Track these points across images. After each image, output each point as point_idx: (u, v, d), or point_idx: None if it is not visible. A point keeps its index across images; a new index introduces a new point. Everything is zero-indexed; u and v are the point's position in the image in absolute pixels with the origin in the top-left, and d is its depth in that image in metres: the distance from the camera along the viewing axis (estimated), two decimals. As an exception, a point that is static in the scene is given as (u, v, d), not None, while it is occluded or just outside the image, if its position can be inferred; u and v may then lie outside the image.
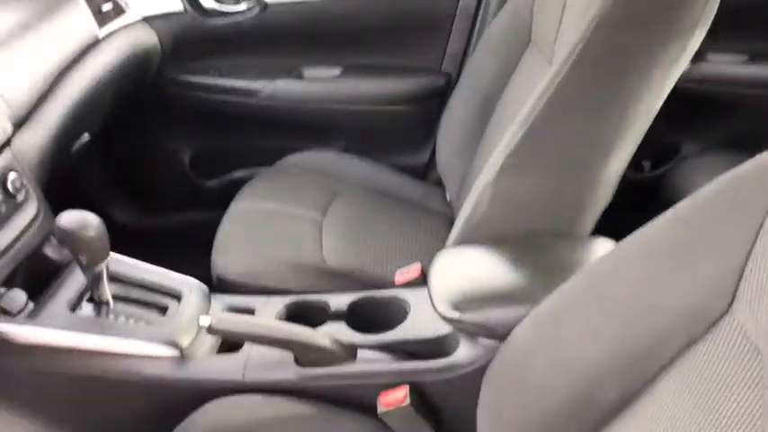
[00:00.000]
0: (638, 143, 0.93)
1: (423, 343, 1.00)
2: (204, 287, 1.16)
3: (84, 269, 1.02)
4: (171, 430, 0.96)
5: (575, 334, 0.67)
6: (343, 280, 1.24)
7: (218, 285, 1.26)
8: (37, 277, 1.11)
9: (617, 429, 0.56)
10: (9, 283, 1.06)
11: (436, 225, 1.44)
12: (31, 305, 1.05)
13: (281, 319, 1.11)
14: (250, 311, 1.13)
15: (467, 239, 1.04)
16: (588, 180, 0.94)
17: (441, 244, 1.06)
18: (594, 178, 0.93)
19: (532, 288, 0.92)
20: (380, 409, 0.94)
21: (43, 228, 1.12)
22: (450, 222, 1.10)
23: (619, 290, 0.60)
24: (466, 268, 0.98)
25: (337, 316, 1.09)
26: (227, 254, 1.31)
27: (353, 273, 1.27)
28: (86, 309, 1.07)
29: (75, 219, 0.97)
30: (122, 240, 1.13)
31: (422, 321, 1.03)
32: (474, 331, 0.92)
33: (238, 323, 0.98)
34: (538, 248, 0.99)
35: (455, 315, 0.91)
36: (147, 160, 1.92)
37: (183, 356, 1.02)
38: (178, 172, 1.91)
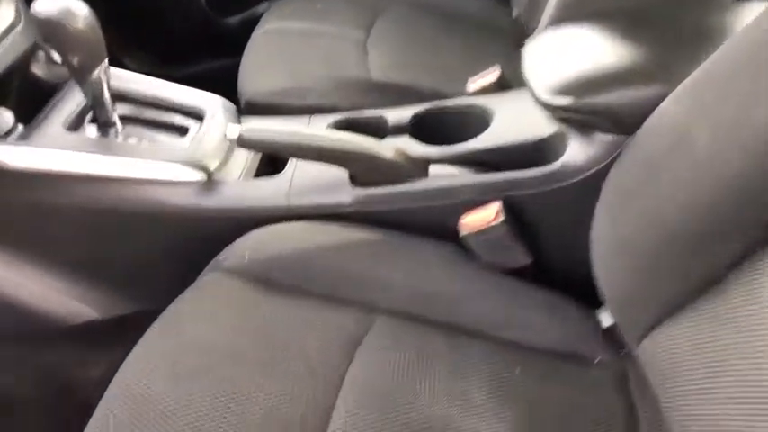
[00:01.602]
0: None
1: (516, 150, 0.78)
2: (231, 105, 0.94)
3: (79, 77, 0.80)
4: (199, 269, 0.78)
5: (742, 107, 0.49)
6: (395, 96, 1.01)
7: (248, 112, 1.04)
8: (27, 100, 0.91)
9: None
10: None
11: (501, 45, 1.18)
12: (20, 127, 0.85)
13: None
14: None
15: (565, 17, 0.79)
16: None
17: (509, 63, 0.82)
18: None
19: (665, 63, 0.68)
20: (464, 231, 0.73)
21: (26, 38, 0.90)
22: (518, 42, 0.84)
23: None
24: (573, 48, 0.74)
25: (399, 130, 0.87)
26: (257, 75, 1.08)
27: (408, 88, 1.03)
28: (89, 130, 0.87)
29: (55, 4, 0.74)
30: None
31: (512, 127, 0.80)
32: (592, 123, 0.69)
33: (277, 132, 0.77)
34: (664, 16, 0.74)
35: (567, 101, 0.68)
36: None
37: (210, 181, 0.82)
38: (193, 10, 1.65)
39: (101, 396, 1.04)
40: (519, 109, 0.81)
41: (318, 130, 0.86)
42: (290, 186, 0.81)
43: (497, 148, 0.78)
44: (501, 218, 0.71)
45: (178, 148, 0.84)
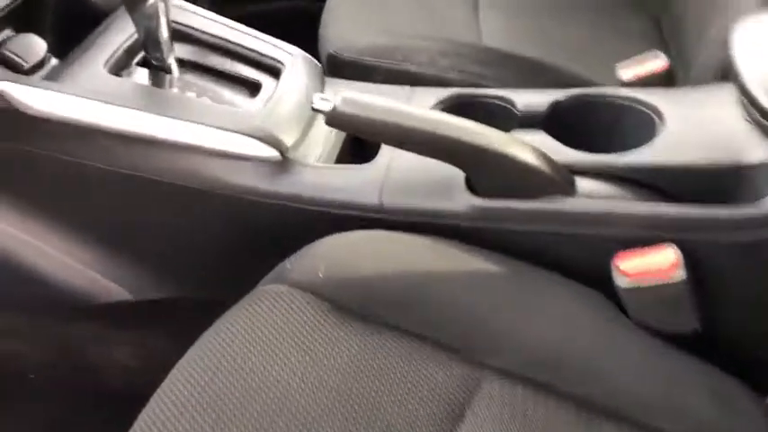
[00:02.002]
0: None
1: (699, 175, 0.57)
2: (315, 63, 0.75)
3: (130, 4, 0.62)
4: (253, 260, 0.61)
5: None
6: (517, 72, 0.80)
7: (329, 69, 0.85)
8: (65, 27, 0.73)
9: None
10: (20, 26, 0.68)
11: (640, 21, 0.96)
12: (54, 61, 0.67)
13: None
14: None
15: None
16: None
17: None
18: None
19: None
20: (622, 279, 0.54)
21: None
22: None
23: None
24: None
25: (530, 121, 0.67)
26: (343, 23, 0.88)
27: (535, 63, 0.82)
28: (138, 75, 0.68)
29: None
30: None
31: (692, 140, 0.59)
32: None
33: (379, 108, 0.57)
34: None
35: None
36: None
37: (284, 162, 0.64)
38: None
39: (124, 380, 0.90)
40: (702, 116, 0.61)
41: (427, 110, 0.66)
42: (385, 180, 0.62)
43: (672, 167, 0.58)
44: (681, 273, 0.51)
45: (246, 113, 0.65)
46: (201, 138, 0.63)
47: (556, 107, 0.66)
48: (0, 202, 0.71)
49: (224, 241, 0.70)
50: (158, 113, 0.62)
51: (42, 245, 0.74)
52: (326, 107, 0.57)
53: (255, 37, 0.74)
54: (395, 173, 0.63)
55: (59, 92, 0.62)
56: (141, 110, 0.62)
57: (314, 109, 0.57)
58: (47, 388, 0.92)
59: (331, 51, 0.85)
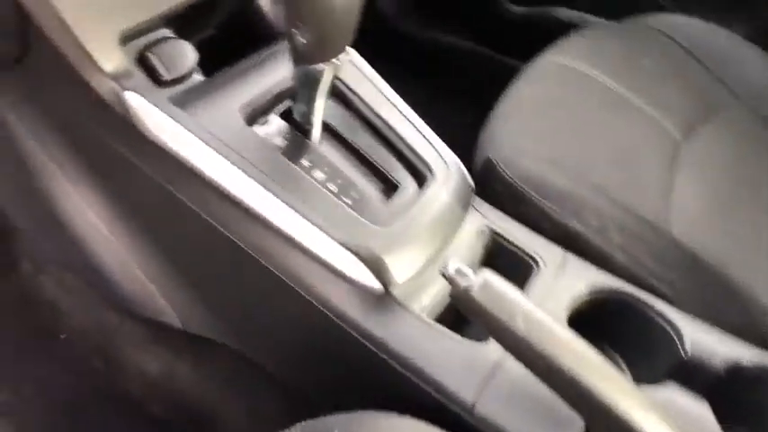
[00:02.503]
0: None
1: None
2: (468, 180, 0.64)
3: (299, 55, 0.53)
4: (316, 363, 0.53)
5: None
6: (700, 287, 0.65)
7: (481, 177, 0.72)
8: (228, 38, 0.66)
9: None
10: (179, 29, 0.61)
11: None
12: (197, 77, 0.59)
13: (576, 305, 0.57)
14: (523, 264, 0.60)
15: None
16: None
17: None
18: None
19: None
20: None
21: None
22: None
23: None
24: None
25: (694, 374, 0.52)
26: (513, 136, 0.76)
27: (729, 287, 0.65)
28: (273, 128, 0.59)
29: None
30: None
31: None
32: None
33: (518, 313, 0.45)
34: None
35: None
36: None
37: (386, 298, 0.53)
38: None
39: (139, 389, 0.85)
40: None
41: (570, 335, 0.51)
42: (491, 377, 0.50)
43: None
44: None
45: (367, 230, 0.54)
46: (309, 238, 0.53)
47: (736, 372, 0.51)
48: (95, 190, 0.65)
49: (294, 338, 0.61)
50: (275, 192, 0.53)
51: (117, 242, 0.68)
52: (460, 282, 0.45)
53: (416, 128, 0.63)
54: (506, 373, 0.50)
55: (180, 124, 0.54)
56: (258, 182, 0.53)
57: (444, 275, 0.46)
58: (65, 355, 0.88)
59: (488, 156, 0.73)
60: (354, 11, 0.48)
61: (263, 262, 0.55)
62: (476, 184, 0.66)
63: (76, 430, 0.87)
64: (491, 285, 0.45)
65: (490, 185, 0.72)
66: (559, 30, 1.21)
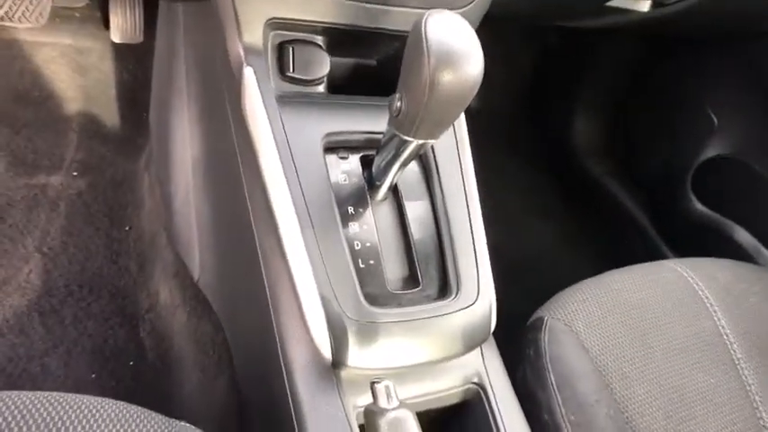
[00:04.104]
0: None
1: None
2: (490, 313, 0.59)
3: (392, 118, 0.53)
4: None
5: None
6: None
7: (524, 329, 0.67)
8: (382, 72, 0.68)
9: None
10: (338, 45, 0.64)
11: None
12: (320, 87, 0.62)
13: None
14: None
15: None
16: None
17: None
18: None
19: None
20: None
21: None
22: None
23: None
24: None
25: None
26: (575, 314, 0.69)
27: None
28: (348, 164, 0.60)
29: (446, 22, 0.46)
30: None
31: None
32: None
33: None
34: None
35: None
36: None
37: (328, 373, 0.52)
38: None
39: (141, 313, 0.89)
40: None
41: None
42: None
43: None
44: None
45: (364, 310, 0.53)
46: (302, 276, 0.53)
47: None
48: (200, 127, 0.71)
49: (247, 345, 0.61)
50: (302, 220, 0.53)
51: (192, 182, 0.73)
52: (379, 399, 0.42)
53: (474, 242, 0.60)
54: None
55: (267, 118, 0.56)
56: (294, 203, 0.54)
57: (372, 383, 0.43)
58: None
59: (543, 318, 0.67)
60: (454, 110, 0.48)
61: (262, 270, 0.56)
62: (513, 332, 0.61)
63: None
64: (400, 425, 0.41)
65: (525, 340, 0.67)
66: (729, 247, 1.10)
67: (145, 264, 0.92)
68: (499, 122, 1.42)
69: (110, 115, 1.09)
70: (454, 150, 0.62)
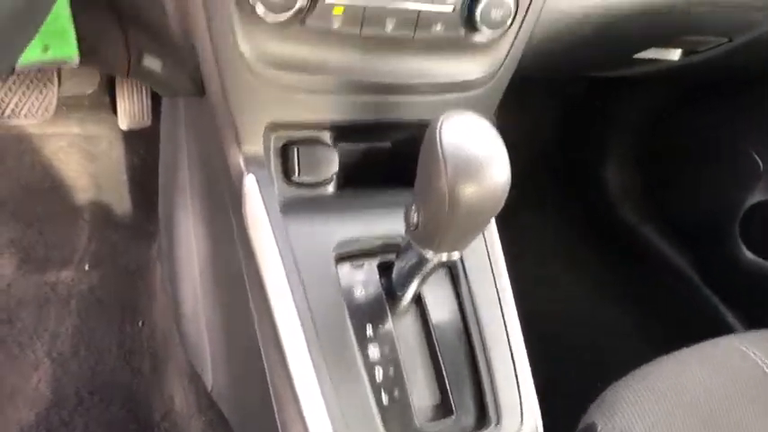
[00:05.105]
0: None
1: None
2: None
3: (408, 228, 0.47)
4: None
5: None
6: None
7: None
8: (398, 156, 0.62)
9: None
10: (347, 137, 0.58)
11: None
12: (330, 187, 0.57)
13: None
14: None
15: None
16: None
17: None
18: None
19: None
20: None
21: None
22: None
23: None
24: None
25: None
26: (632, 418, 0.61)
27: None
28: (364, 273, 0.53)
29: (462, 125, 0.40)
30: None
31: None
32: None
33: None
34: None
35: None
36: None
37: None
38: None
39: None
40: None
41: None
42: None
43: None
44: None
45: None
46: (313, 416, 0.46)
47: None
48: (203, 223, 0.66)
49: None
50: (312, 353, 0.47)
51: (200, 287, 0.68)
52: None
53: (513, 356, 0.53)
54: None
55: (270, 230, 0.51)
56: (304, 331, 0.48)
57: None
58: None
59: (595, 423, 0.59)
60: (480, 223, 0.41)
61: (273, 401, 0.50)
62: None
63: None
64: None
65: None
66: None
67: (158, 364, 0.87)
68: (523, 175, 1.36)
69: (121, 202, 1.06)
70: (483, 251, 0.55)
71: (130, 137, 1.07)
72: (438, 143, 0.40)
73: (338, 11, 0.48)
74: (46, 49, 0.42)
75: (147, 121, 1.02)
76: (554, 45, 0.66)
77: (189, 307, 0.75)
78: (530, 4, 0.55)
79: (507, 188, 0.40)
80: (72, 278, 0.97)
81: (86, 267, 0.99)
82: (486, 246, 0.55)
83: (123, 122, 1.01)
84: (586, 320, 1.23)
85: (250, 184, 0.52)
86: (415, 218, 0.43)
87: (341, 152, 0.57)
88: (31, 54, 0.43)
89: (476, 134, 0.41)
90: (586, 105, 1.34)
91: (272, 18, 0.46)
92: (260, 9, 0.45)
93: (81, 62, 0.48)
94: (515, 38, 0.56)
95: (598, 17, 0.66)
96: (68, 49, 0.43)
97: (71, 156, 1.07)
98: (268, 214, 0.51)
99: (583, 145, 1.38)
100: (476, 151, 0.40)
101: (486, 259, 0.55)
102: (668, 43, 0.87)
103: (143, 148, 1.08)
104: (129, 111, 1.01)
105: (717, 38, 0.86)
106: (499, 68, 0.57)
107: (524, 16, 0.55)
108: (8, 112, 0.96)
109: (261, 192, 0.51)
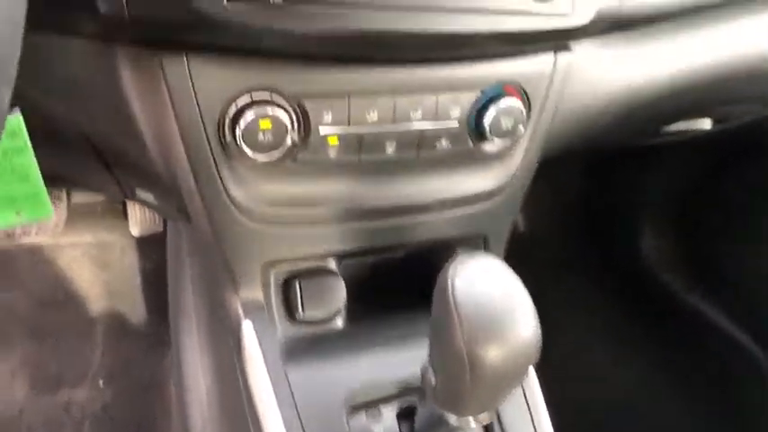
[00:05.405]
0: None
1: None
2: None
3: (426, 388, 0.41)
4: None
5: None
6: None
7: None
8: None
9: None
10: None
11: None
12: (338, 322, 0.51)
13: None
14: None
15: None
16: None
17: None
18: None
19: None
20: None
21: None
22: None
23: None
24: None
25: None
26: None
27: None
28: (383, 424, 0.48)
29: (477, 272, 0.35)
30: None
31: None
32: None
33: None
34: None
35: None
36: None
37: None
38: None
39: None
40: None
41: None
42: None
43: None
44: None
45: None
46: None
47: None
48: (207, 354, 0.62)
49: None
50: None
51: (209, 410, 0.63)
52: None
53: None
54: None
55: (269, 380, 0.45)
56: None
57: None
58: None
59: None
60: (510, 384, 0.35)
61: None
62: None
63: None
64: None
65: None
66: None
67: None
68: (553, 246, 1.29)
69: (134, 310, 1.03)
70: (522, 402, 0.49)
71: (142, 243, 1.05)
72: (450, 297, 0.34)
73: (333, 141, 0.44)
74: (18, 213, 0.39)
75: (159, 227, 0.99)
76: (573, 135, 0.61)
77: (198, 429, 0.69)
78: (544, 105, 0.50)
79: (538, 342, 0.35)
80: (86, 397, 0.93)
81: (101, 383, 0.95)
82: (525, 395, 0.49)
83: (135, 229, 0.99)
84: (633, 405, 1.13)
85: (247, 330, 0.47)
86: (432, 381, 0.38)
87: (346, 271, 0.52)
88: (7, 218, 0.40)
89: (493, 284, 0.35)
90: (615, 170, 1.28)
91: (261, 158, 0.42)
92: (247, 150, 0.41)
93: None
94: (530, 140, 0.52)
95: (626, 98, 0.60)
96: (41, 211, 0.39)
97: (84, 265, 1.04)
98: (266, 364, 0.46)
99: (615, 210, 1.31)
100: (495, 305, 0.34)
101: (526, 410, 0.49)
102: (700, 115, 0.82)
103: (156, 254, 1.05)
104: (141, 217, 0.99)
105: (750, 105, 0.80)
106: (515, 173, 0.52)
107: (539, 118, 0.50)
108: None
109: (259, 339, 0.47)
